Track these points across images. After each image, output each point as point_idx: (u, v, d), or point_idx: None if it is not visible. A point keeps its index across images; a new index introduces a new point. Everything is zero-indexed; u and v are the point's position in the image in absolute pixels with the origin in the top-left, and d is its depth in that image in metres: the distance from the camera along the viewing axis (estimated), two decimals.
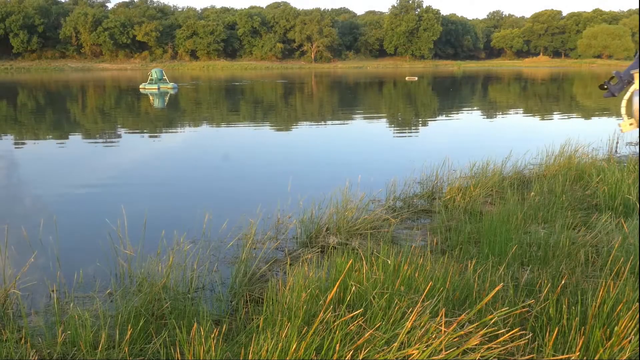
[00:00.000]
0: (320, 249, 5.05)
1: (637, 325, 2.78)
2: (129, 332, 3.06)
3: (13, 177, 10.02)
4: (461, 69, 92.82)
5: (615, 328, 2.78)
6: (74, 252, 5.41)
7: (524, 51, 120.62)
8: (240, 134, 16.60)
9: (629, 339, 2.73)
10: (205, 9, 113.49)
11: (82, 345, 3.12)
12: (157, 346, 3.17)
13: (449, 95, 35.14)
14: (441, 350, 2.63)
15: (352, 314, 2.89)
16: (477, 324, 2.82)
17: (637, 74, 8.04)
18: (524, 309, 3.15)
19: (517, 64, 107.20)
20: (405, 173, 7.95)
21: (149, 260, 4.20)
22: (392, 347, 2.68)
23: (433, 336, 2.70)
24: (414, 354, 2.63)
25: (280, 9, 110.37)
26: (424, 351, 2.63)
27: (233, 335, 3.31)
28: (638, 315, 2.83)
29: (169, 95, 32.88)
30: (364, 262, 3.56)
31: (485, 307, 3.13)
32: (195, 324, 3.00)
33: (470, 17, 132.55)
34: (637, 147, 10.97)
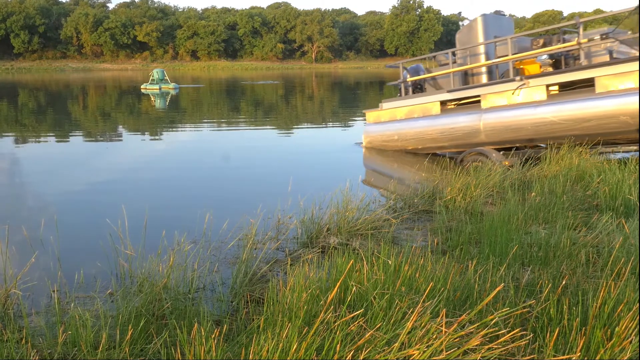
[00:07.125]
0: (320, 250, 5.05)
1: (638, 326, 2.78)
2: (130, 333, 3.06)
3: (14, 177, 10.03)
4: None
5: (616, 328, 2.78)
6: (75, 252, 5.41)
7: None
8: (241, 134, 16.61)
9: (629, 339, 2.73)
10: (205, 9, 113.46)
11: (83, 346, 3.12)
12: (157, 346, 3.17)
13: None
14: (442, 350, 2.63)
15: (352, 315, 2.89)
16: (477, 324, 2.82)
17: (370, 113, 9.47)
18: (524, 310, 3.14)
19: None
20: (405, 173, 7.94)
21: (149, 260, 4.19)
22: (393, 348, 2.68)
23: (434, 336, 2.70)
24: (414, 354, 2.63)
25: (281, 9, 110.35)
26: (424, 351, 2.63)
27: (234, 336, 3.31)
28: (639, 316, 2.83)
29: (170, 95, 32.90)
30: (365, 263, 3.55)
31: (486, 308, 3.13)
32: (195, 324, 2.99)
33: (471, 18, 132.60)
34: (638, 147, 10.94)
